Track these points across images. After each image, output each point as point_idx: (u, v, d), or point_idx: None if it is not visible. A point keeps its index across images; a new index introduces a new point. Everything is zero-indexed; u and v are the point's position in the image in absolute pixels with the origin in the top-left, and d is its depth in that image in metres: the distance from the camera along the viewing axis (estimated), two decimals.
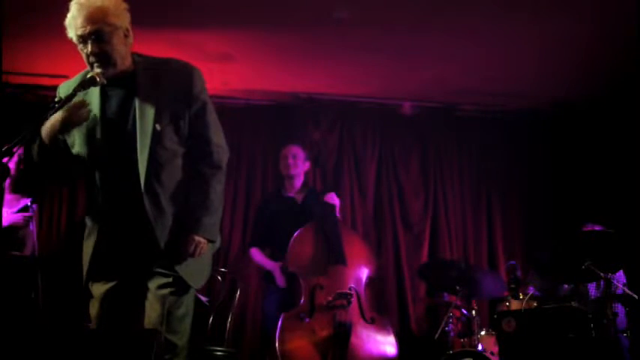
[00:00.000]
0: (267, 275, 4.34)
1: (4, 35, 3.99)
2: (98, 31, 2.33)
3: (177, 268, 2.41)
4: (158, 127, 2.40)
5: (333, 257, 4.13)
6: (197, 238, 2.43)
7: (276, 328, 3.91)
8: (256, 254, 4.42)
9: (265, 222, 4.49)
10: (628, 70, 5.20)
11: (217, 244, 2.60)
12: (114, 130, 2.43)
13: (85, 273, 2.48)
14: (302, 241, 4.16)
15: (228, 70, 5.30)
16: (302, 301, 4.01)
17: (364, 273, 4.21)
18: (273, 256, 4.34)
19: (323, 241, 4.18)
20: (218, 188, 2.51)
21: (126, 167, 2.40)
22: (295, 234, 4.16)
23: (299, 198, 4.49)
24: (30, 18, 4.33)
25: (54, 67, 4.86)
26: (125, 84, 2.44)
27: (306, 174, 4.67)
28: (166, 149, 2.43)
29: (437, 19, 4.61)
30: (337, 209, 4.41)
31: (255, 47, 5.02)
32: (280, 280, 4.21)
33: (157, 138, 2.40)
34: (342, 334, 3.85)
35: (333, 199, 4.41)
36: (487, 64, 5.26)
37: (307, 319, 3.94)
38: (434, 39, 4.88)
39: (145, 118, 2.40)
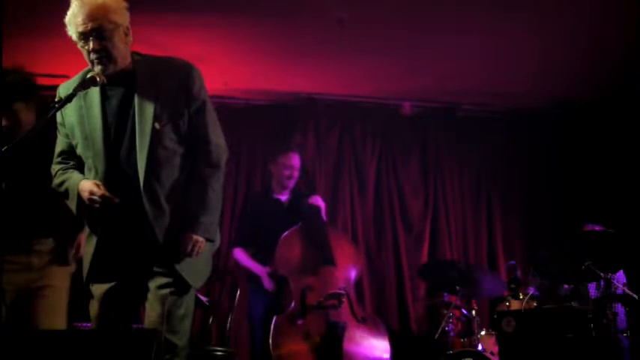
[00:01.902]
0: (254, 278, 4.33)
1: (5, 35, 3.99)
2: (99, 29, 2.32)
3: (177, 267, 2.41)
4: (157, 126, 2.39)
5: (322, 258, 4.13)
6: (195, 237, 2.42)
7: (263, 331, 3.91)
8: (240, 255, 4.41)
9: (250, 222, 4.48)
10: (628, 70, 5.20)
11: (217, 244, 2.60)
12: (114, 130, 2.43)
13: (85, 273, 2.48)
14: (290, 243, 4.16)
15: (228, 70, 5.30)
16: (293, 303, 4.01)
17: (353, 273, 4.23)
18: (256, 257, 4.33)
19: (311, 243, 4.18)
20: (216, 187, 2.51)
21: (126, 166, 2.40)
22: (282, 236, 4.15)
23: (285, 199, 4.49)
24: (30, 18, 4.33)
25: (54, 67, 4.85)
26: (125, 83, 2.44)
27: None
28: (166, 148, 2.42)
29: (437, 19, 4.61)
30: (323, 212, 4.41)
31: (255, 47, 5.02)
32: (268, 285, 4.20)
33: (156, 137, 2.39)
34: (336, 335, 3.84)
35: (317, 201, 4.40)
36: (487, 64, 5.27)
37: (300, 321, 3.94)
38: (434, 39, 4.88)
39: (144, 117, 2.39)
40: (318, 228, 4.23)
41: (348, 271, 4.21)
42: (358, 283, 4.36)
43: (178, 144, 2.47)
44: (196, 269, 2.49)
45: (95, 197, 2.35)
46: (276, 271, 4.15)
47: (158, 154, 2.40)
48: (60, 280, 2.93)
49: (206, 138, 2.51)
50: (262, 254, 4.27)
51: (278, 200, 4.48)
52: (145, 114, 2.40)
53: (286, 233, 4.16)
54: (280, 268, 4.11)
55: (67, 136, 2.53)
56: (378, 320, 4.21)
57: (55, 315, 2.89)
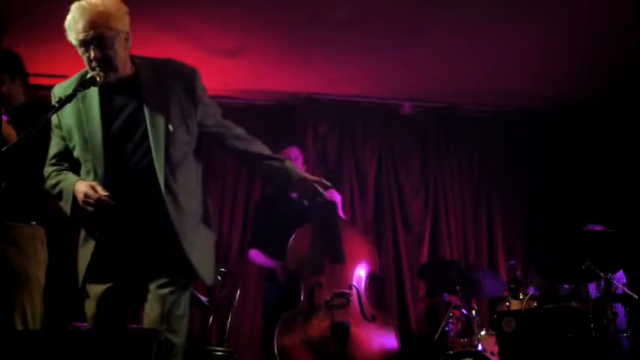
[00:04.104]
0: (270, 274, 4.34)
1: (4, 35, 4.00)
2: (100, 37, 2.30)
3: (195, 265, 2.43)
4: (171, 127, 2.41)
5: (332, 256, 4.12)
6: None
7: (273, 323, 3.91)
8: (256, 255, 4.41)
9: (263, 222, 4.48)
10: (628, 70, 5.20)
11: (215, 237, 2.65)
12: (119, 134, 2.42)
13: (82, 274, 2.47)
14: (301, 240, 4.14)
15: (228, 70, 5.30)
16: (301, 300, 4.01)
17: (365, 271, 4.16)
18: (272, 256, 4.33)
19: (322, 240, 4.17)
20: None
21: (139, 170, 2.40)
22: (294, 233, 4.15)
23: (297, 197, 4.47)
24: (30, 18, 4.33)
25: (54, 67, 4.85)
26: (128, 87, 2.43)
27: None
28: (179, 149, 2.45)
29: (437, 19, 4.61)
30: (339, 206, 4.39)
31: (255, 47, 5.02)
32: (282, 277, 4.20)
33: (170, 139, 2.41)
34: (341, 334, 3.83)
35: (333, 195, 4.38)
36: (487, 64, 5.26)
37: (306, 319, 3.93)
38: (434, 39, 4.88)
39: (156, 120, 2.40)
40: (331, 224, 4.21)
41: (359, 269, 4.14)
42: (371, 281, 4.28)
43: (190, 144, 2.51)
44: (209, 266, 2.53)
45: (90, 200, 2.34)
46: (288, 266, 4.14)
47: (173, 156, 2.42)
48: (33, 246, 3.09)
49: (227, 124, 2.65)
50: (278, 253, 4.26)
51: (291, 199, 4.46)
52: (156, 117, 2.40)
53: (298, 230, 4.15)
54: (290, 264, 4.10)
55: (63, 138, 2.51)
56: (389, 319, 4.16)
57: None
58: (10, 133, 2.96)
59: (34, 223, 3.13)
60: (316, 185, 2.70)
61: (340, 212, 4.44)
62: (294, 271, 4.10)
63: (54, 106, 2.37)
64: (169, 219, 2.38)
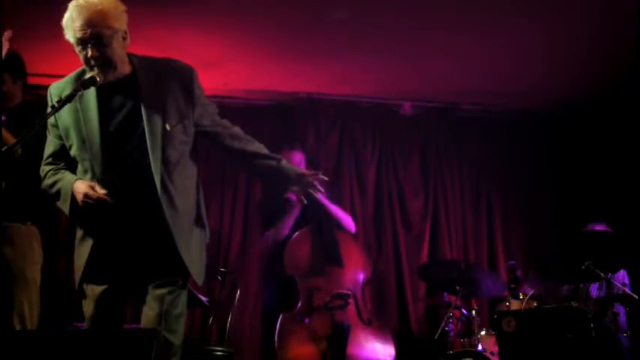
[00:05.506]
0: (268, 276, 4.34)
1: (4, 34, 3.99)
2: (98, 35, 2.30)
3: (188, 264, 2.43)
4: (168, 127, 2.41)
5: (330, 259, 4.14)
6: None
7: (273, 324, 3.92)
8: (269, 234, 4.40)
9: (262, 226, 4.49)
10: (629, 70, 5.20)
11: (207, 238, 2.65)
12: (117, 133, 2.41)
13: (80, 273, 2.47)
14: (298, 244, 4.16)
15: (228, 70, 5.30)
16: (300, 302, 4.02)
17: (360, 275, 4.23)
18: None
19: (319, 243, 4.18)
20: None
21: (136, 170, 2.39)
22: (292, 236, 4.16)
23: (295, 199, 4.47)
24: (29, 17, 4.33)
25: (53, 67, 4.85)
26: (126, 86, 2.43)
27: None
28: (176, 149, 2.44)
29: (437, 19, 4.61)
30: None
31: (255, 47, 5.02)
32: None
33: (167, 138, 2.40)
34: (341, 335, 3.85)
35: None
36: (488, 63, 5.26)
37: (306, 321, 3.94)
38: (434, 39, 4.88)
39: (154, 119, 2.40)
40: (328, 228, 4.23)
41: (355, 273, 4.22)
42: (365, 286, 4.33)
43: (186, 144, 2.50)
44: (201, 267, 2.53)
45: (90, 200, 2.33)
46: (285, 271, 4.15)
47: (170, 156, 2.42)
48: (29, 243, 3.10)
49: (224, 124, 2.64)
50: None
51: (290, 201, 4.46)
52: (153, 116, 2.40)
53: (296, 234, 4.17)
54: (288, 267, 4.11)
55: (59, 137, 2.51)
56: (385, 323, 4.23)
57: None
58: (6, 135, 2.95)
59: (29, 222, 3.13)
60: (314, 181, 2.71)
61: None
62: (291, 275, 4.11)
63: (53, 105, 2.36)
64: (164, 219, 2.38)
